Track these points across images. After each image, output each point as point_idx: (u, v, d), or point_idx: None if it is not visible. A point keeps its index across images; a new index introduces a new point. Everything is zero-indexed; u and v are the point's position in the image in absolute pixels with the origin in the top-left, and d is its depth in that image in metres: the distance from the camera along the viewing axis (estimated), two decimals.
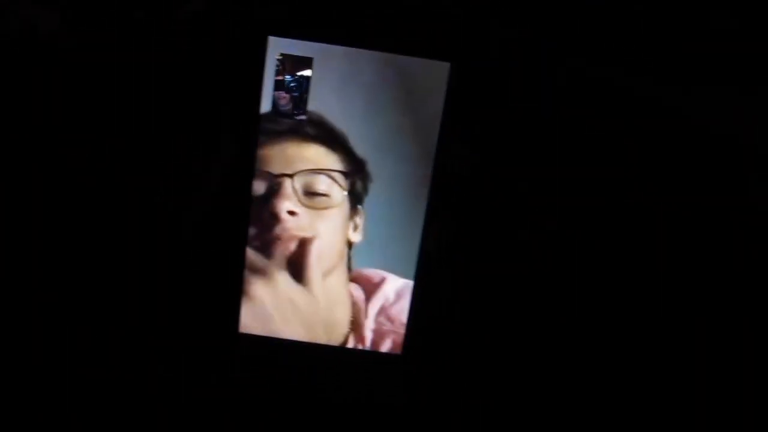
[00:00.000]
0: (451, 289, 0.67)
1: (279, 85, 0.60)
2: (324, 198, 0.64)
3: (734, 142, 0.62)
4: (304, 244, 0.64)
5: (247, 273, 0.64)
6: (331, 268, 0.65)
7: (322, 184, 0.64)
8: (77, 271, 0.65)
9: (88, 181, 0.64)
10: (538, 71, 0.62)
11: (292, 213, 0.64)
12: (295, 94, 0.59)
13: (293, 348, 0.65)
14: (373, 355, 0.66)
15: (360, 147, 0.62)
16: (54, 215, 0.64)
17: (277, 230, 0.63)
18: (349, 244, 0.65)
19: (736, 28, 0.59)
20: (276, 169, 0.63)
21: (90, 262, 0.65)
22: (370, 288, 0.65)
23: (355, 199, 0.64)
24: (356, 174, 0.63)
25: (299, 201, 0.64)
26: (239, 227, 0.63)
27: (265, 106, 0.60)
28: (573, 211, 0.65)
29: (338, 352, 0.66)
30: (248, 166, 0.61)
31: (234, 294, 0.64)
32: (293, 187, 0.64)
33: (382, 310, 0.64)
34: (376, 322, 0.65)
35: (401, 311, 0.64)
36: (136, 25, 0.61)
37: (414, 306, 0.65)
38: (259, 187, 0.63)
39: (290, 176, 0.63)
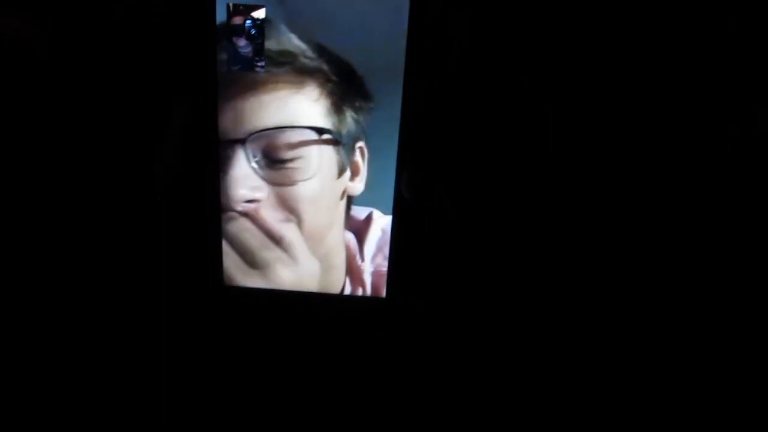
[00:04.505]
0: (430, 229, 0.63)
1: (237, 30, 0.55)
2: (292, 165, 0.56)
3: (732, 140, 0.59)
4: (280, 234, 0.58)
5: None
6: (324, 236, 0.60)
7: (285, 145, 0.55)
8: (59, 235, 0.63)
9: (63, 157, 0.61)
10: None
11: (252, 201, 0.57)
12: (258, 41, 0.55)
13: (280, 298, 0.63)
14: (356, 300, 0.64)
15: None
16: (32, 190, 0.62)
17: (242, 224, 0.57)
18: (349, 198, 0.59)
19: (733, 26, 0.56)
20: (226, 133, 0.55)
21: (70, 227, 0.63)
22: (361, 228, 0.61)
23: (349, 135, 0.56)
24: (346, 105, 0.56)
25: (260, 177, 0.55)
26: (212, 188, 0.59)
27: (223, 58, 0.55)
28: (547, 145, 0.61)
29: (322, 299, 0.64)
30: (211, 122, 0.57)
31: (215, 247, 0.61)
32: (247, 156, 0.55)
33: (379, 251, 0.62)
34: (375, 264, 0.63)
35: None
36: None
37: (394, 248, 0.62)
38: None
39: (241, 141, 0.55)
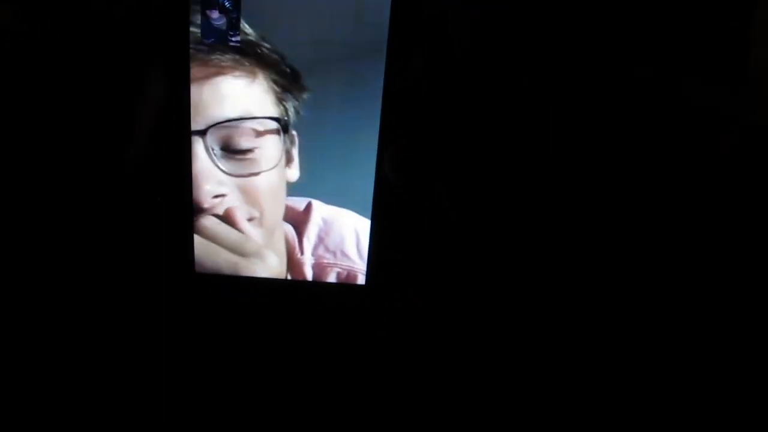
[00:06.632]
0: (413, 214, 0.63)
1: (209, 4, 0.53)
2: (252, 156, 0.56)
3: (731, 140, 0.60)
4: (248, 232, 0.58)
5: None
6: (276, 227, 0.60)
7: (246, 136, 0.55)
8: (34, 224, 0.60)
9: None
10: None
11: (219, 196, 0.56)
12: (234, 15, 0.54)
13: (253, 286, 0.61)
14: (337, 287, 0.63)
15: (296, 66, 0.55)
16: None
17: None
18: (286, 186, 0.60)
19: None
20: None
21: (41, 215, 0.60)
22: (299, 219, 0.61)
23: (291, 124, 0.57)
24: (290, 96, 0.56)
25: (222, 169, 0.55)
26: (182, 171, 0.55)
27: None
28: (533, 127, 0.61)
29: (296, 286, 0.63)
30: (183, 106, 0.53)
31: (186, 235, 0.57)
32: (207, 149, 0.55)
33: (320, 242, 0.63)
34: (316, 256, 0.63)
35: (341, 241, 0.62)
36: None
37: (375, 233, 0.62)
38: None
39: (202, 133, 0.54)
